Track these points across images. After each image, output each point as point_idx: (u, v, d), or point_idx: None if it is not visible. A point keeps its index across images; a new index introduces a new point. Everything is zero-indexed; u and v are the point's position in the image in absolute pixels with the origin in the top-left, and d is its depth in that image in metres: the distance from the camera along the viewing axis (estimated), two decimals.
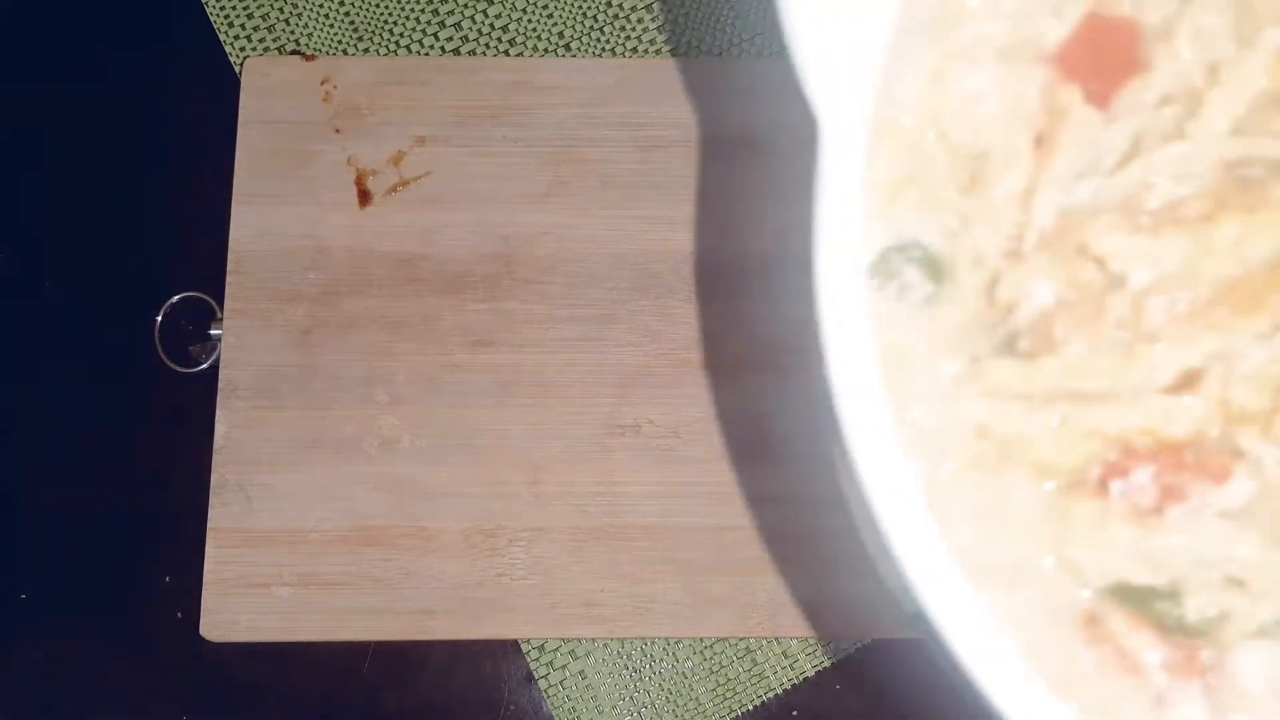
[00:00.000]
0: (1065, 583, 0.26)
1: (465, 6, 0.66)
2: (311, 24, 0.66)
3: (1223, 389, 0.26)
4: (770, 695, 0.59)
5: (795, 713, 0.59)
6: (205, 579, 0.57)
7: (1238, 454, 0.25)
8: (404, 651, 0.59)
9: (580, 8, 0.66)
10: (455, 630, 0.57)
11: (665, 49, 0.66)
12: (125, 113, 0.65)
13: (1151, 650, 0.25)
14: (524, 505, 0.58)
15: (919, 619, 0.23)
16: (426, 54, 0.66)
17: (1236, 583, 0.25)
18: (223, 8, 0.66)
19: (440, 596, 0.57)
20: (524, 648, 0.59)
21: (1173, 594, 0.25)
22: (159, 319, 0.62)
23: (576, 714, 0.58)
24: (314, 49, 0.66)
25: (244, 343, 0.60)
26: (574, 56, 0.65)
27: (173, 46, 0.66)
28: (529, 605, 0.57)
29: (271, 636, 0.57)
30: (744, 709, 0.58)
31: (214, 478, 0.58)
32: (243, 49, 0.66)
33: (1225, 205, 0.26)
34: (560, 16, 0.66)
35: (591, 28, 0.66)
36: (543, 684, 0.58)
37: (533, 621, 0.57)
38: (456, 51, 0.66)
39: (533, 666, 0.58)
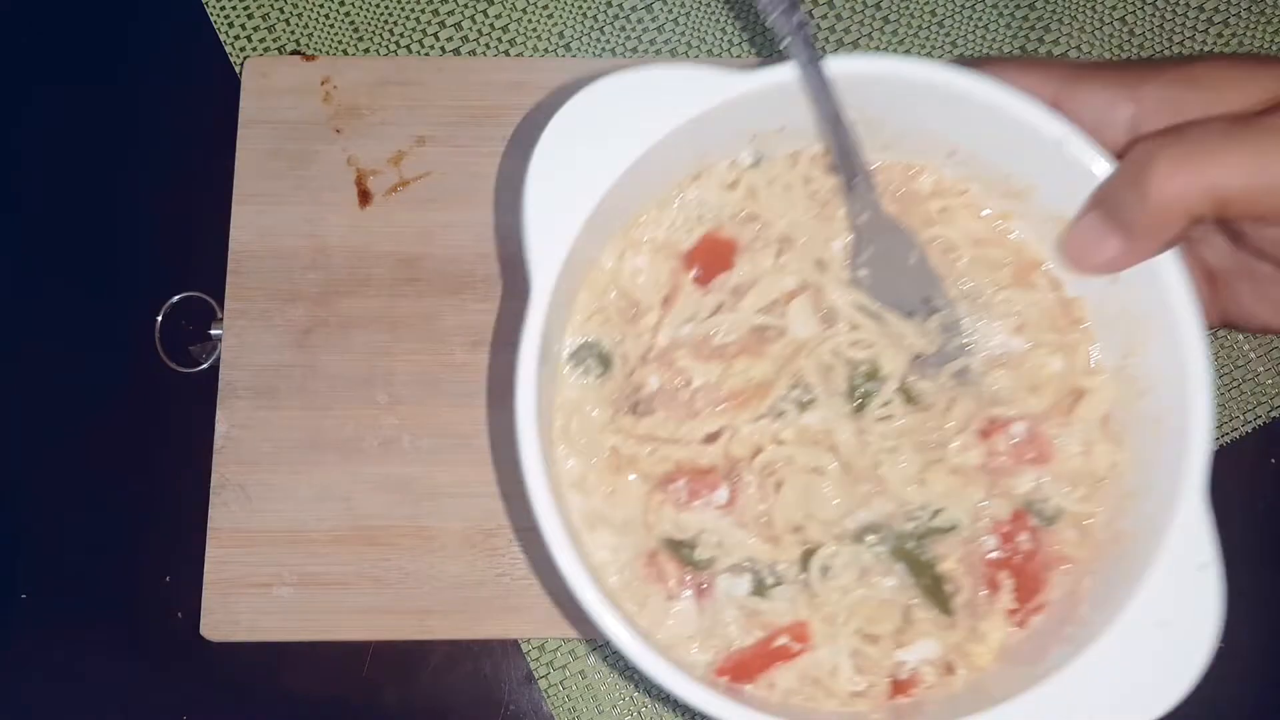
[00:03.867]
0: (643, 534, 0.46)
1: (465, 6, 0.66)
2: (311, 24, 0.66)
3: (726, 444, 0.46)
4: None
5: None
6: (205, 579, 0.57)
7: (725, 476, 0.45)
8: (404, 651, 0.59)
9: (580, 8, 0.66)
10: (455, 630, 0.57)
11: (665, 49, 0.66)
12: (126, 112, 0.65)
13: (674, 571, 0.45)
14: (524, 505, 0.58)
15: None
16: (426, 54, 0.66)
17: (719, 544, 0.45)
18: (223, 8, 0.66)
19: (440, 596, 0.57)
20: (524, 648, 0.59)
21: (691, 545, 0.45)
22: (159, 319, 0.62)
23: (576, 714, 0.58)
24: (314, 49, 0.66)
25: (244, 343, 0.60)
26: (574, 56, 0.65)
27: (173, 46, 0.66)
28: (529, 605, 0.57)
29: (272, 636, 0.57)
30: None
31: (214, 478, 0.58)
32: (243, 49, 0.66)
33: (746, 350, 0.46)
34: (560, 16, 0.66)
35: (591, 28, 0.66)
36: (543, 684, 0.58)
37: (533, 621, 0.57)
38: (456, 51, 0.66)
39: (533, 666, 0.58)
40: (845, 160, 0.45)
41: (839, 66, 0.43)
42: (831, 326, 0.46)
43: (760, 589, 0.45)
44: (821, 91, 0.43)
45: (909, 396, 0.46)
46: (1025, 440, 0.45)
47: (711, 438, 0.45)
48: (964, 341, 0.46)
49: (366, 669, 0.58)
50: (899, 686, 0.44)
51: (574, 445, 0.46)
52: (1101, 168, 0.41)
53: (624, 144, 0.42)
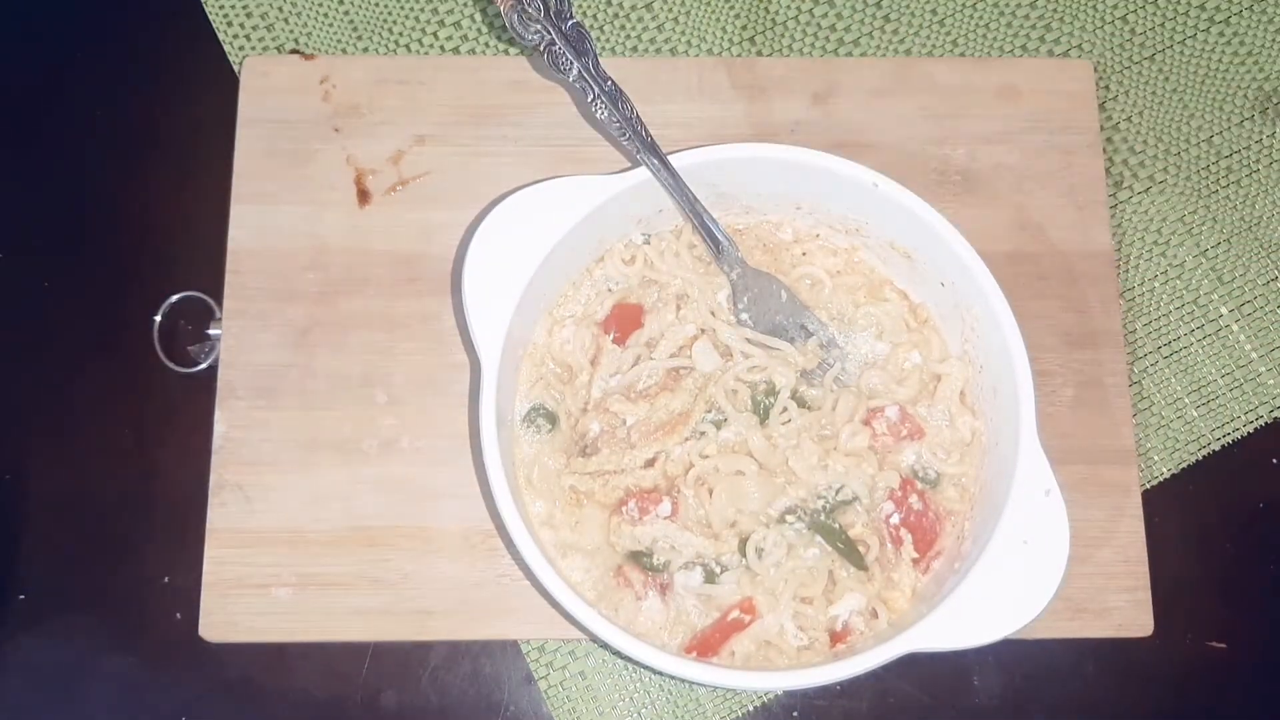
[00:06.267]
0: (609, 552, 0.55)
1: (465, 6, 0.66)
2: (311, 23, 0.66)
3: (663, 466, 0.55)
4: (770, 696, 0.59)
5: (795, 713, 0.59)
6: (204, 580, 0.57)
7: (666, 492, 0.54)
8: (404, 651, 0.58)
9: (580, 8, 0.66)
10: (455, 631, 0.57)
11: (665, 48, 0.66)
12: (124, 112, 0.65)
13: (639, 577, 0.53)
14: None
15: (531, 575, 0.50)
16: (426, 53, 0.66)
17: (671, 547, 0.54)
18: (222, 7, 0.66)
19: (440, 597, 0.57)
20: (524, 648, 0.58)
21: (649, 553, 0.54)
22: (158, 319, 0.61)
23: (576, 714, 0.58)
24: (313, 48, 0.65)
25: (243, 343, 0.59)
26: None
27: (173, 46, 0.66)
28: (529, 606, 0.57)
29: (271, 637, 0.57)
30: (744, 710, 0.58)
31: (212, 478, 0.58)
32: (242, 48, 0.65)
33: (665, 389, 0.56)
34: None
35: (591, 27, 0.66)
36: (542, 684, 0.58)
37: (532, 622, 0.57)
38: (456, 51, 0.66)
39: (533, 667, 0.58)
40: (707, 233, 0.56)
41: (685, 160, 0.54)
42: (730, 359, 0.56)
43: (710, 577, 0.54)
44: (674, 187, 0.54)
45: (801, 402, 0.56)
46: (899, 421, 0.55)
47: (650, 463, 0.55)
48: (838, 352, 0.57)
49: (366, 670, 0.58)
50: (836, 637, 0.53)
51: (538, 491, 0.55)
52: (910, 200, 0.53)
53: (537, 241, 0.53)
